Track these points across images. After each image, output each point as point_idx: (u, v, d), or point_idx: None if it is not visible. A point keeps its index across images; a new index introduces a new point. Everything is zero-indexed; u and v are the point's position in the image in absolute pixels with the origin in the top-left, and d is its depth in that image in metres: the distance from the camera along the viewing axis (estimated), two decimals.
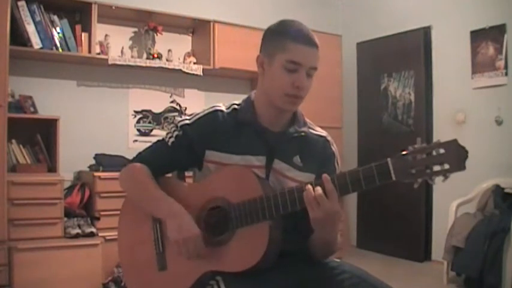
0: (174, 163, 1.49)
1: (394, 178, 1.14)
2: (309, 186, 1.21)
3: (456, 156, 1.09)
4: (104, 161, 3.40)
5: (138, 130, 3.94)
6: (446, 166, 1.09)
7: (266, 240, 1.26)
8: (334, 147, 1.50)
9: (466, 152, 1.09)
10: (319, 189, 1.19)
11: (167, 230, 1.35)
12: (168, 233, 1.34)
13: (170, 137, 1.46)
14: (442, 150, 1.10)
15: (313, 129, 1.50)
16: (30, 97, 3.30)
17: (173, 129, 1.46)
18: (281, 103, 1.38)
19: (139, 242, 1.48)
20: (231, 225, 1.32)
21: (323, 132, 1.52)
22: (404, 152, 1.14)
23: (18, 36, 3.11)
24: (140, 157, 1.50)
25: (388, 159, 1.15)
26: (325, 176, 1.21)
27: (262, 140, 1.41)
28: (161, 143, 1.48)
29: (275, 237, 1.28)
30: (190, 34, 4.17)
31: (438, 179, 1.12)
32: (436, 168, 1.11)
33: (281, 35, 1.36)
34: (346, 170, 1.22)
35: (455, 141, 1.10)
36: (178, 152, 1.44)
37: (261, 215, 1.27)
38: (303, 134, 1.45)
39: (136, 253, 1.49)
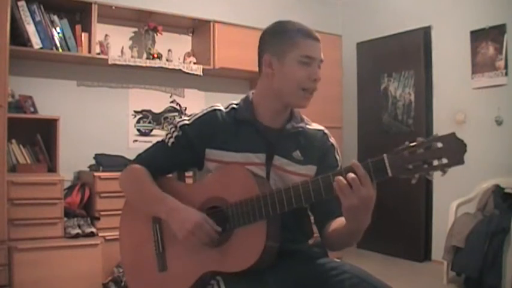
0: (174, 163, 1.50)
1: (390, 174, 1.12)
2: (339, 177, 1.14)
3: (455, 149, 1.06)
4: (104, 161, 3.40)
5: (138, 130, 3.94)
6: (445, 160, 1.07)
7: (263, 240, 1.25)
8: (332, 139, 1.53)
9: (465, 145, 1.05)
10: (351, 174, 1.12)
11: (172, 229, 1.34)
12: (174, 231, 1.33)
13: (170, 138, 1.46)
14: (439, 144, 1.07)
15: (310, 125, 1.53)
16: (30, 97, 3.30)
17: (172, 129, 1.47)
18: (296, 99, 1.40)
19: (139, 243, 1.48)
20: (228, 225, 1.32)
21: (320, 126, 1.55)
22: (401, 147, 1.12)
23: (18, 36, 3.10)
24: (140, 158, 1.51)
25: (385, 155, 1.13)
26: (354, 162, 1.14)
27: (262, 137, 1.42)
28: (161, 143, 1.49)
29: (273, 237, 1.28)
30: (190, 34, 4.17)
31: (436, 174, 1.09)
32: (434, 162, 1.08)
33: (290, 34, 1.38)
34: (343, 167, 1.22)
35: (453, 134, 1.07)
36: (178, 152, 1.45)
37: (258, 214, 1.27)
38: (300, 129, 1.47)
39: (137, 254, 1.49)
